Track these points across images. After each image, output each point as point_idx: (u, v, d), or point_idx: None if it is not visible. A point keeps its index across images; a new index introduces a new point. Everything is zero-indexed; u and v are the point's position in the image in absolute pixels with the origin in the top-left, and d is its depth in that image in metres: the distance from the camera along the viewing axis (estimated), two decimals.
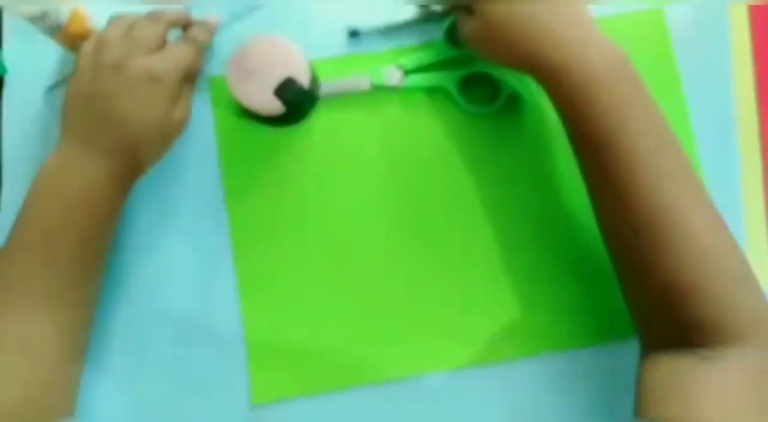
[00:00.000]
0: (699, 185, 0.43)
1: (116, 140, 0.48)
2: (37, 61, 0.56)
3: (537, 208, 0.53)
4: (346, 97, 0.55)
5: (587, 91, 0.44)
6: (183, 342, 0.52)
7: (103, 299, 0.52)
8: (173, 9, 0.52)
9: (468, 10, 0.48)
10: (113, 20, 0.50)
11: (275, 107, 0.50)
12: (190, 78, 0.51)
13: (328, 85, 0.54)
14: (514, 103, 0.54)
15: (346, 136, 0.54)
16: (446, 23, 0.54)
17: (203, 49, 0.52)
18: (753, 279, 0.42)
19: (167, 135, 0.50)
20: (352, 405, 0.52)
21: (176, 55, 0.49)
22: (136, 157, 0.49)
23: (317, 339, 0.52)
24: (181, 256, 0.54)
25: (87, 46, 0.49)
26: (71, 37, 0.53)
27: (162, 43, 0.50)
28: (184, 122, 0.51)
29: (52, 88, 0.56)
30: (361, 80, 0.54)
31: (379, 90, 0.54)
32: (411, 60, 0.54)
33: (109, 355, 0.52)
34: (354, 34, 0.55)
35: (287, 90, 0.49)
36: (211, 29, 0.54)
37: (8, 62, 0.56)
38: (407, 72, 0.54)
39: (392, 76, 0.54)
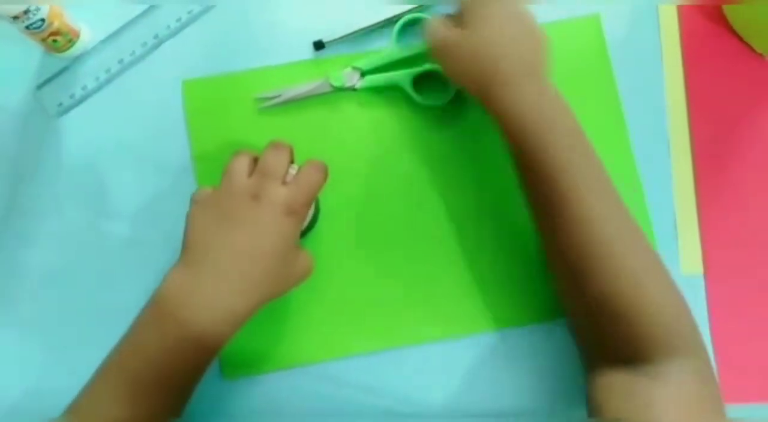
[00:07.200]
0: (626, 210, 0.47)
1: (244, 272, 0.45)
2: (19, 62, 0.59)
3: (488, 189, 0.57)
4: (309, 100, 0.59)
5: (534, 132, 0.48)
6: None
7: (95, 294, 0.56)
8: (287, 143, 0.49)
9: (456, 22, 0.51)
10: (237, 153, 0.49)
11: None
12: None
13: (292, 89, 0.58)
14: (462, 95, 0.59)
15: (310, 134, 0.58)
16: (398, 24, 0.58)
17: (327, 174, 0.49)
18: (676, 290, 0.46)
19: (294, 272, 0.48)
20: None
21: (309, 182, 0.48)
22: (262, 291, 0.46)
23: (280, 325, 0.55)
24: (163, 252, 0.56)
25: (228, 176, 0.48)
26: (52, 36, 0.55)
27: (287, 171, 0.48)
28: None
29: (40, 88, 0.59)
30: (323, 83, 0.59)
31: (340, 91, 0.59)
32: (367, 62, 0.59)
33: (97, 333, 0.53)
34: (319, 46, 0.60)
35: None
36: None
37: None
38: (364, 73, 0.59)
39: (351, 77, 0.59)
